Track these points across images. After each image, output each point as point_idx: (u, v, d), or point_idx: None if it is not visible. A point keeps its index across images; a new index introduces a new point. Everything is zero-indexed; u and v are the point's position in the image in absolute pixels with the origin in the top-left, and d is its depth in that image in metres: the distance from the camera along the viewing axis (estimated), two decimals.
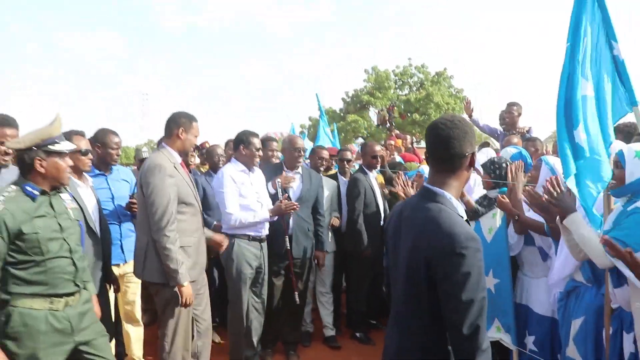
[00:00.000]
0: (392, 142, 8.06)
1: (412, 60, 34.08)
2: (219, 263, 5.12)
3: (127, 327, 4.69)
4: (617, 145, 2.99)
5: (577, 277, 3.18)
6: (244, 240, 4.61)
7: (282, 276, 5.18)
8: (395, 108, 30.18)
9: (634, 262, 2.30)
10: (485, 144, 7.10)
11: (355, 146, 11.60)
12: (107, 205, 4.35)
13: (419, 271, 1.94)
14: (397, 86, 34.08)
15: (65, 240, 2.97)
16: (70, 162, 3.10)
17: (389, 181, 6.13)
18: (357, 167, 6.39)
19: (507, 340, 3.67)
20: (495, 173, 4.07)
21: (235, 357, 4.78)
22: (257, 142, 4.73)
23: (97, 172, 4.40)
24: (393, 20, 67.53)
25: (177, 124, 3.90)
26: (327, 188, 5.69)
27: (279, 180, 4.98)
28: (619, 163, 2.78)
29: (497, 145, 6.80)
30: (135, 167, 6.73)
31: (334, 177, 6.00)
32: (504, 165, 4.08)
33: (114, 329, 4.15)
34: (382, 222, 5.71)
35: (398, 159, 6.94)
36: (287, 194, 4.94)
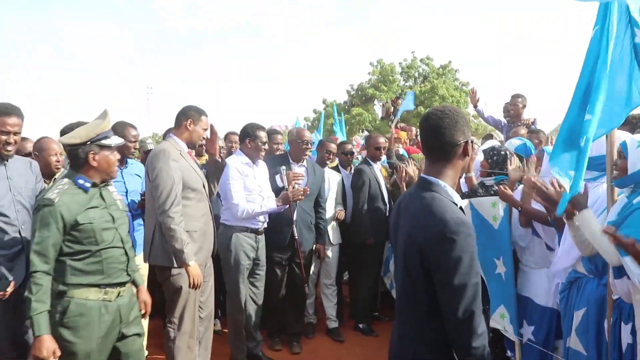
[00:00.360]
0: (395, 135, 8.03)
1: (416, 53, 33.95)
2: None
3: None
4: (621, 135, 2.96)
5: (578, 268, 3.17)
6: (242, 232, 4.63)
7: (285, 267, 5.20)
8: (399, 101, 30.08)
9: (637, 252, 2.28)
10: (489, 136, 7.08)
11: (360, 139, 11.59)
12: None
13: (414, 260, 1.97)
14: (402, 79, 33.93)
15: (117, 230, 3.11)
16: (118, 156, 3.23)
17: (393, 169, 6.15)
18: (360, 159, 6.39)
19: (509, 331, 3.67)
20: (492, 159, 4.08)
21: (236, 347, 4.83)
22: (263, 135, 4.76)
23: None
24: (397, 12, 67.20)
25: (186, 116, 4.01)
26: (333, 181, 5.71)
27: (286, 171, 4.98)
28: (622, 153, 2.77)
29: (502, 137, 6.78)
30: (140, 160, 6.75)
31: (336, 169, 6.01)
32: (502, 153, 4.07)
33: None
34: (387, 214, 5.73)
35: (402, 151, 6.92)
36: (294, 184, 4.94)
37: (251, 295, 4.83)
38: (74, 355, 2.88)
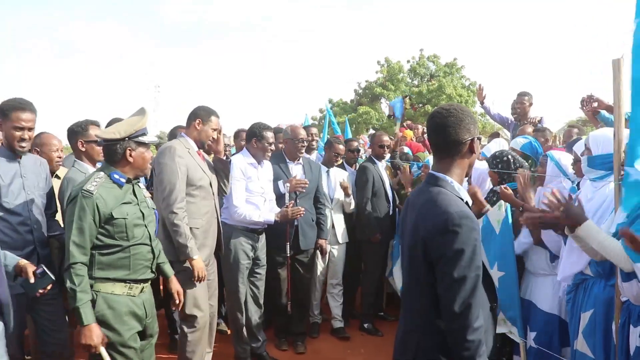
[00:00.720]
0: (400, 133, 8.00)
1: (424, 51, 33.87)
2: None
3: None
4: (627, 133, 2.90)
5: (585, 270, 3.10)
6: (241, 231, 4.61)
7: (289, 267, 5.16)
8: (407, 100, 30.02)
9: None
10: (496, 134, 7.02)
11: (367, 137, 11.55)
12: None
13: (418, 252, 2.01)
14: (409, 77, 33.88)
15: (146, 227, 3.15)
16: (152, 154, 3.29)
17: (396, 168, 6.12)
18: (364, 157, 6.36)
19: (514, 332, 3.61)
20: (498, 167, 4.01)
21: (239, 346, 4.80)
22: (270, 136, 4.73)
23: None
24: (405, 10, 66.86)
25: (196, 116, 4.07)
26: (340, 179, 5.66)
27: (287, 184, 4.95)
28: None
29: (508, 135, 6.72)
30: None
31: (341, 167, 5.97)
32: (505, 158, 4.00)
33: None
34: (390, 212, 5.69)
35: (406, 149, 6.89)
36: (293, 201, 4.91)
37: (252, 295, 4.82)
38: (110, 348, 2.93)
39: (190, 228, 3.84)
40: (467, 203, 2.07)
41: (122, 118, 3.34)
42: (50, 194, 3.68)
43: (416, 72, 33.63)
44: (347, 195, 5.59)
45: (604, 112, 4.30)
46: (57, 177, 4.19)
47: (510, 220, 3.56)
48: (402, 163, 6.29)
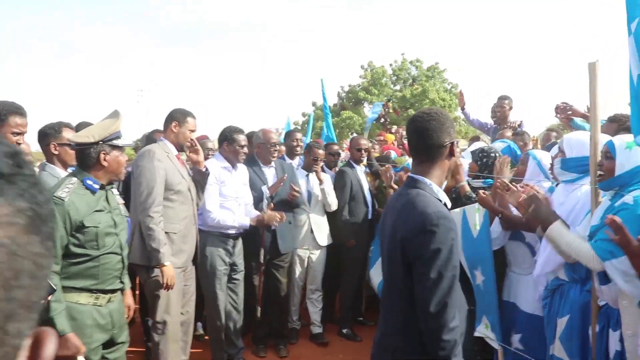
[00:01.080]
0: (382, 137, 8.01)
1: (406, 55, 34.05)
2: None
3: None
4: (604, 137, 2.89)
5: (560, 275, 3.08)
6: (216, 237, 4.54)
7: (266, 272, 5.11)
8: (390, 104, 30.14)
9: (638, 250, 2.16)
10: (476, 138, 7.03)
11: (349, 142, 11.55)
12: None
13: (397, 252, 2.02)
14: (392, 82, 34.01)
15: (117, 235, 3.04)
16: (126, 157, 3.20)
17: (375, 174, 6.08)
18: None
19: (492, 337, 3.58)
20: (482, 161, 4.01)
21: (216, 353, 4.73)
22: (241, 139, 4.67)
23: None
24: (387, 14, 67.23)
25: (172, 118, 4.02)
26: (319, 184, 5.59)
27: (267, 190, 4.90)
28: (609, 154, 2.68)
29: (488, 139, 6.73)
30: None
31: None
32: (492, 155, 4.00)
33: None
34: (369, 216, 5.65)
35: (394, 155, 6.87)
36: (272, 204, 4.86)
37: (231, 301, 4.75)
38: None
39: (168, 233, 3.78)
40: (445, 205, 2.09)
41: (91, 123, 3.26)
42: None
43: (399, 76, 33.76)
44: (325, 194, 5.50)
45: (577, 120, 4.32)
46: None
47: (487, 225, 3.54)
48: (379, 167, 6.26)
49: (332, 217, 5.65)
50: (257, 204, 4.91)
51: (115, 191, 3.24)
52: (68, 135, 3.69)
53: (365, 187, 5.71)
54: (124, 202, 3.37)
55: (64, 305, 2.75)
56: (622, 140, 2.66)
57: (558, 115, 4.40)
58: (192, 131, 4.04)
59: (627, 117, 3.59)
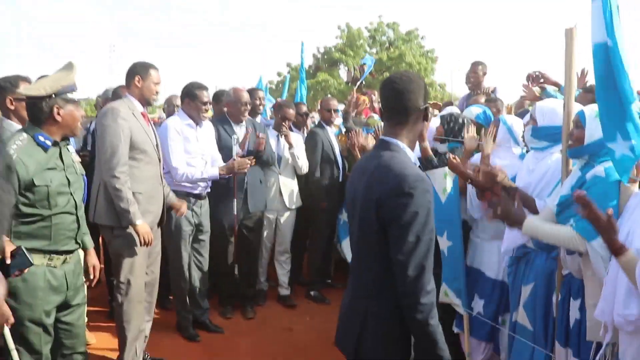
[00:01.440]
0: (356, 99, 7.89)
1: (383, 17, 33.70)
2: None
3: None
4: (577, 106, 2.86)
5: (527, 243, 3.08)
6: (182, 197, 4.43)
7: (234, 232, 5.05)
8: (365, 67, 29.91)
9: (608, 224, 2.13)
10: (449, 103, 6.98)
11: None
12: None
13: (370, 215, 1.99)
14: (368, 44, 33.73)
15: (72, 195, 2.89)
16: (83, 112, 3.00)
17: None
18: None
19: (457, 304, 3.59)
20: (449, 125, 3.96)
21: (181, 314, 4.70)
22: (204, 95, 4.55)
23: None
24: None
25: (134, 73, 3.84)
26: (295, 144, 5.50)
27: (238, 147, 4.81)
28: (580, 123, 2.65)
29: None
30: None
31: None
32: (460, 120, 3.96)
33: None
34: (340, 179, 5.60)
35: (377, 117, 6.78)
36: (241, 152, 4.77)
37: (196, 262, 4.70)
38: (18, 323, 2.67)
39: (134, 193, 3.66)
40: (419, 167, 2.08)
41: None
42: None
43: (375, 39, 33.47)
44: (295, 157, 5.43)
45: (549, 89, 4.27)
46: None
47: (457, 190, 3.51)
48: (355, 127, 6.18)
49: (303, 179, 5.60)
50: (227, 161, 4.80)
51: (71, 148, 3.09)
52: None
53: (336, 148, 5.65)
54: (80, 159, 3.25)
55: None
56: (592, 109, 2.62)
57: (530, 84, 4.36)
58: (157, 84, 3.88)
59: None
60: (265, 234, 5.46)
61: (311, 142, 5.56)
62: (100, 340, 4.55)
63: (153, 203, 3.88)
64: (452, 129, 3.98)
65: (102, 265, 4.85)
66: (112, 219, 3.66)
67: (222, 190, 4.82)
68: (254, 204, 5.07)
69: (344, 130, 5.95)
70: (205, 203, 4.69)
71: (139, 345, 3.92)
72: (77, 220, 2.96)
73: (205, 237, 4.73)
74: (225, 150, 4.85)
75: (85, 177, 3.20)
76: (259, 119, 5.68)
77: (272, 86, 30.05)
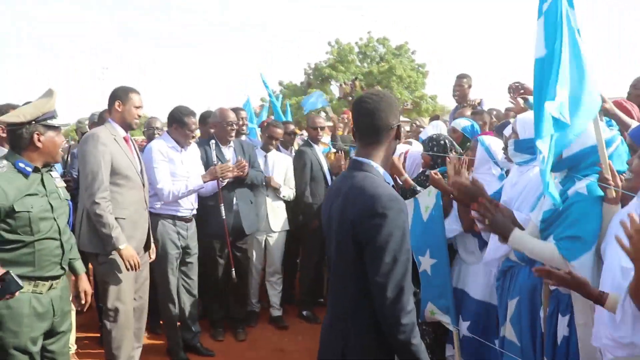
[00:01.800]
0: (346, 116, 7.91)
1: (372, 33, 33.90)
2: None
3: None
4: None
5: (511, 256, 3.06)
6: (168, 220, 4.44)
7: (225, 255, 5.01)
8: (357, 82, 30.01)
9: (575, 283, 2.14)
10: (436, 117, 7.00)
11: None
12: None
13: (346, 236, 1.98)
14: (359, 59, 33.90)
15: (55, 220, 2.88)
16: (63, 139, 3.04)
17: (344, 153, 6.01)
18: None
19: (446, 321, 3.55)
20: (433, 150, 3.94)
21: (171, 339, 4.65)
22: (192, 122, 4.56)
23: None
24: None
25: (114, 98, 3.84)
26: (278, 164, 5.51)
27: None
28: None
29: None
30: (75, 142, 6.46)
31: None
32: (441, 142, 3.95)
33: None
34: None
35: None
36: (219, 161, 4.76)
37: (184, 285, 4.66)
38: (3, 352, 2.68)
39: (117, 219, 3.64)
40: (393, 187, 2.07)
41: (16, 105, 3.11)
42: None
43: (365, 53, 33.65)
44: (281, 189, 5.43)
45: (531, 99, 4.26)
46: None
47: (440, 207, 3.49)
48: (343, 147, 6.20)
49: (294, 199, 5.58)
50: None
51: (54, 174, 3.08)
52: None
53: (325, 166, 5.65)
54: (65, 184, 3.24)
55: None
56: None
57: (512, 95, 4.36)
58: (138, 107, 3.87)
59: None
60: (255, 255, 5.43)
61: (300, 162, 5.55)
62: None
63: (137, 228, 3.86)
64: (435, 158, 3.96)
65: (92, 291, 4.83)
66: (95, 246, 3.64)
67: (209, 210, 4.79)
68: (249, 225, 5.04)
69: (332, 149, 5.97)
70: (192, 225, 4.67)
71: None
72: (62, 246, 2.95)
73: (193, 259, 4.69)
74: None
75: (70, 202, 3.19)
76: (243, 138, 5.67)
77: (265, 103, 30.11)
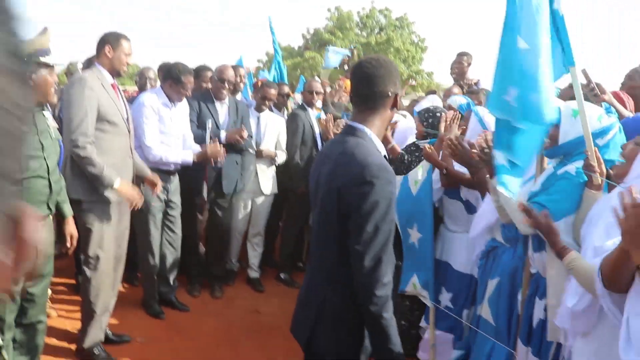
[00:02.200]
0: (341, 83, 7.83)
1: (375, 3, 33.53)
2: None
3: None
4: (559, 101, 2.81)
5: (497, 236, 3.06)
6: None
7: (206, 211, 4.98)
8: (355, 51, 29.75)
9: (547, 227, 2.16)
10: (432, 92, 6.94)
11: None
12: None
13: (332, 203, 1.95)
14: (358, 28, 33.58)
15: (45, 159, 2.83)
16: (56, 77, 2.94)
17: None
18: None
19: (425, 295, 3.57)
20: (428, 122, 3.91)
21: (147, 291, 4.64)
22: (189, 81, 4.49)
23: None
24: None
25: (105, 42, 3.69)
26: (271, 125, 5.43)
27: (209, 127, 4.76)
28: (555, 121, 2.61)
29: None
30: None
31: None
32: (437, 114, 3.91)
33: None
34: None
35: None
36: (215, 138, 4.70)
37: (167, 238, 4.62)
38: None
39: None
40: (385, 157, 2.03)
41: None
42: None
43: (366, 24, 33.32)
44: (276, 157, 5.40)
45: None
46: None
47: (430, 182, 3.47)
48: (335, 112, 6.12)
49: (284, 162, 5.53)
50: (202, 139, 4.74)
51: (46, 113, 3.01)
52: None
53: (317, 131, 5.58)
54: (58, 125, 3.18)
55: None
56: (568, 107, 2.58)
57: None
58: (128, 55, 3.75)
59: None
60: (240, 215, 5.39)
61: (292, 125, 5.48)
62: (62, 313, 4.46)
63: (121, 175, 3.78)
64: (432, 125, 3.93)
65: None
66: (79, 192, 3.56)
67: (193, 166, 4.72)
68: (227, 185, 5.00)
69: (323, 115, 5.89)
70: (175, 179, 4.60)
71: (103, 320, 3.87)
72: (50, 185, 2.90)
73: (176, 213, 4.64)
74: (202, 125, 4.80)
75: (61, 142, 3.12)
76: (238, 97, 5.58)
77: (261, 64, 29.83)
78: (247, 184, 5.27)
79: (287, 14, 68.03)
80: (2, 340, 2.77)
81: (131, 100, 4.63)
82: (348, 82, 8.66)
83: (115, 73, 3.76)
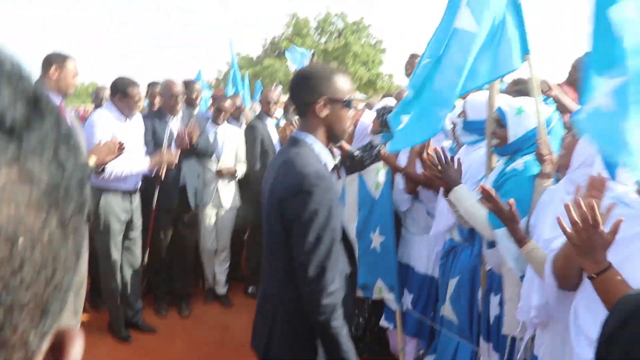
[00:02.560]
0: None
1: (330, 8, 33.78)
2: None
3: None
4: (507, 97, 2.86)
5: (455, 236, 3.10)
6: (111, 194, 4.27)
7: (170, 229, 4.92)
8: (315, 57, 29.91)
9: (510, 214, 2.18)
10: (387, 95, 7.00)
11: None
12: None
13: (276, 213, 1.94)
14: (316, 34, 33.75)
15: None
16: None
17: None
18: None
19: (390, 298, 3.58)
20: (382, 118, 3.92)
21: (112, 315, 4.54)
22: (136, 92, 4.37)
23: None
24: None
25: (50, 62, 3.59)
26: (228, 138, 5.38)
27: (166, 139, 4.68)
28: (501, 121, 2.64)
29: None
30: None
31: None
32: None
33: None
34: None
35: None
36: (169, 146, 4.64)
37: (128, 260, 4.53)
38: None
39: None
40: (325, 165, 2.01)
41: None
42: None
43: (323, 29, 33.49)
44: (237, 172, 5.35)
45: None
46: None
47: (389, 185, 3.49)
48: (294, 119, 6.12)
49: (246, 174, 5.47)
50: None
51: None
52: None
53: (277, 141, 5.54)
54: None
55: None
56: (512, 106, 2.62)
57: None
58: (74, 76, 3.68)
59: (525, 81, 3.57)
60: (206, 232, 5.33)
61: (250, 137, 5.43)
62: None
63: None
64: (386, 122, 3.96)
65: None
66: None
67: (155, 183, 4.68)
68: (193, 200, 4.94)
69: (282, 122, 5.88)
70: (136, 198, 4.52)
71: None
72: None
73: (137, 233, 4.56)
74: (159, 143, 4.72)
75: None
76: (196, 112, 5.53)
77: (220, 77, 29.71)
78: (210, 199, 5.22)
79: (247, 23, 67.91)
80: None
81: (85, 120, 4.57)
82: None
83: (63, 95, 3.68)
